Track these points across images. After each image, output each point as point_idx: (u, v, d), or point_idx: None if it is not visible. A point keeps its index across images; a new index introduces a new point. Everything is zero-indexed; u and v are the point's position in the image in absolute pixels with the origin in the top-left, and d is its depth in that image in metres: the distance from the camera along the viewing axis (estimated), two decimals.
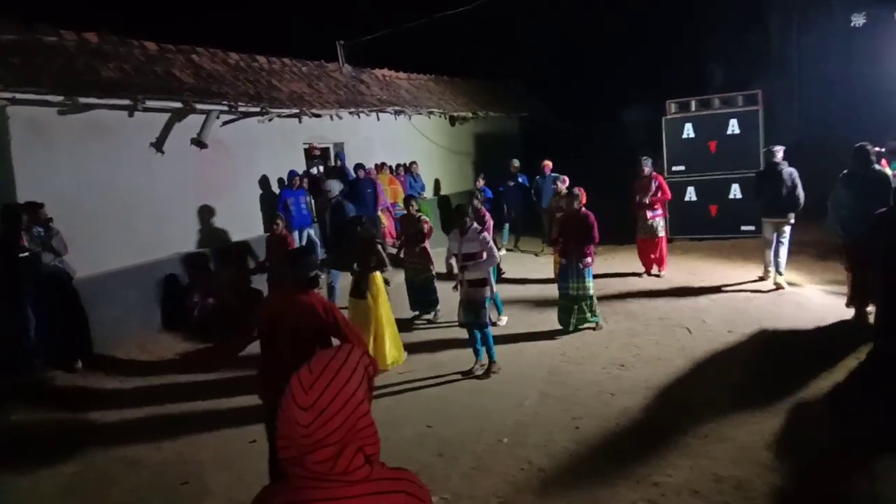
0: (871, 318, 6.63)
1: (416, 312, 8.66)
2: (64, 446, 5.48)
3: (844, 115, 14.90)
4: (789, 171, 8.39)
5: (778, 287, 8.58)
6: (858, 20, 16.23)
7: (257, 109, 9.87)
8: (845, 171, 6.93)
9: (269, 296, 4.91)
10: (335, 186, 9.20)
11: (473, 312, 6.35)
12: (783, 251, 8.60)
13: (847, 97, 15.54)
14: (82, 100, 7.46)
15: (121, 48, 8.90)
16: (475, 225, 6.48)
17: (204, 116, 8.94)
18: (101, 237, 7.85)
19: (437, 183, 15.10)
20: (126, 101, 7.95)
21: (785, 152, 8.62)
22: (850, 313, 7.03)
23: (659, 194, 9.93)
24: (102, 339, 7.65)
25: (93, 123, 7.79)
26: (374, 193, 11.07)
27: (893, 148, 8.47)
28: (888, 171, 8.06)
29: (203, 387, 6.70)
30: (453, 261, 6.63)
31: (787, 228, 8.48)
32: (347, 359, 1.40)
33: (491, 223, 8.01)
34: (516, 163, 13.16)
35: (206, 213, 9.38)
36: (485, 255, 6.33)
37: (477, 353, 6.55)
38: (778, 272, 8.70)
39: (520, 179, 13.00)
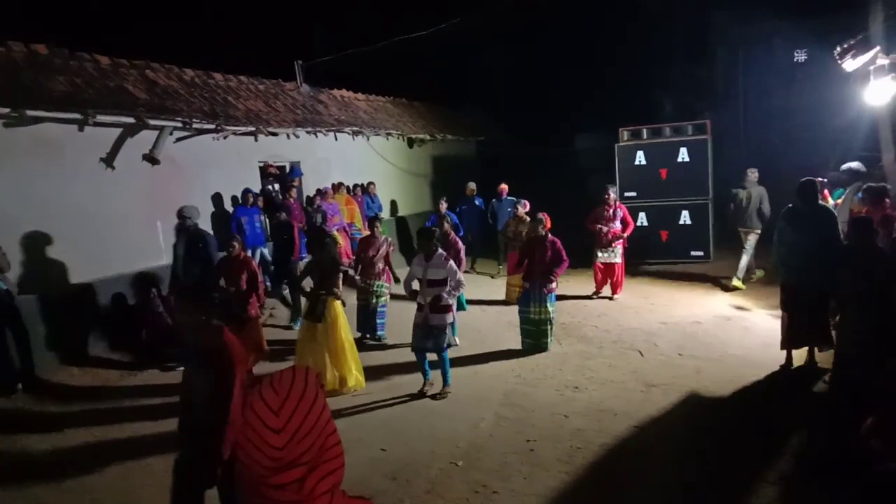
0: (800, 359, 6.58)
1: (361, 334, 8.49)
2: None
3: (786, 147, 15.56)
4: (758, 190, 9.76)
5: (734, 288, 9.98)
6: (801, 56, 17.01)
7: (212, 126, 9.74)
8: (789, 206, 6.59)
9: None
10: (194, 213, 8.21)
11: (433, 338, 6.29)
12: (745, 258, 10.00)
13: (789, 129, 16.23)
14: (30, 112, 7.24)
15: (72, 61, 8.69)
16: (441, 251, 6.42)
17: (157, 132, 8.78)
18: (45, 255, 7.60)
19: (393, 204, 15.11)
20: (76, 115, 7.75)
21: (758, 174, 10.07)
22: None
23: (625, 227, 10.03)
24: (45, 361, 7.36)
25: (40, 138, 7.55)
26: (291, 239, 9.52)
27: (834, 179, 8.86)
28: (830, 201, 8.41)
29: (149, 410, 6.49)
30: (415, 285, 6.50)
31: (752, 238, 9.88)
32: (307, 380, 1.38)
33: (463, 249, 7.88)
34: (472, 185, 13.23)
35: (156, 230, 9.17)
36: (449, 284, 6.27)
37: (425, 373, 6.55)
38: (736, 276, 10.02)
39: (476, 202, 13.09)
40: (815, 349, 6.51)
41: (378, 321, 8.46)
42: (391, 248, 8.53)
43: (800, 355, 6.60)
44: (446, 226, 7.95)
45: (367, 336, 8.52)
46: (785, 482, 4.41)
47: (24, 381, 6.97)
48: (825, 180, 9.00)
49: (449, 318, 6.36)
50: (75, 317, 7.92)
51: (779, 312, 7.02)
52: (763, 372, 6.53)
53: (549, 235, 7.67)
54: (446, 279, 6.26)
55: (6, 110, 7.05)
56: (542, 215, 7.81)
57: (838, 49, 8.02)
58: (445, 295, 6.24)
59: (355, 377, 6.76)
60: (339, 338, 6.69)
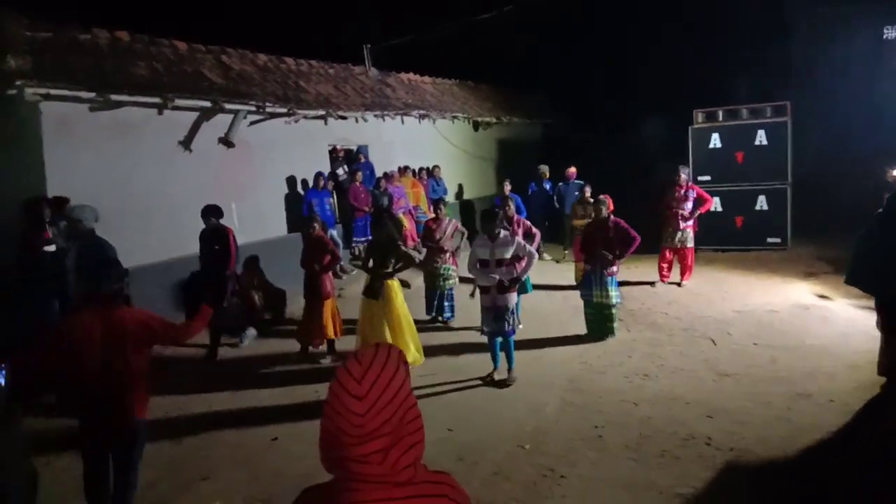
0: None
1: (433, 315, 8.62)
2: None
3: (872, 132, 14.63)
4: None
5: None
6: (891, 33, 15.98)
7: (284, 110, 9.94)
8: (883, 209, 5.57)
9: (74, 314, 4.06)
10: (88, 214, 6.58)
11: (501, 320, 6.20)
12: None
13: (875, 112, 15.27)
14: (113, 97, 7.55)
15: (151, 47, 9.02)
16: (505, 231, 6.36)
17: (232, 116, 9.02)
18: (123, 234, 7.90)
19: (459, 187, 15.11)
20: (156, 100, 8.04)
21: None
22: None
23: (702, 204, 9.76)
24: None
25: (121, 121, 7.88)
26: (226, 249, 7.56)
27: None
28: None
29: (225, 382, 6.74)
30: (479, 266, 6.33)
31: None
32: (389, 353, 1.42)
33: (533, 227, 7.77)
34: (545, 168, 12.98)
35: (229, 212, 9.42)
36: (524, 260, 6.24)
37: (495, 359, 6.46)
38: None
39: (545, 185, 12.89)
40: None
41: (447, 303, 8.51)
42: (458, 227, 8.55)
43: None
44: (511, 208, 7.81)
45: (438, 318, 8.59)
46: (867, 485, 4.21)
47: None
48: None
49: (514, 297, 6.29)
50: (150, 293, 8.21)
51: (862, 302, 6.53)
52: (842, 362, 6.24)
53: (612, 217, 7.52)
54: (516, 257, 6.21)
55: (91, 94, 7.37)
56: (605, 197, 7.66)
57: None
58: (522, 268, 6.24)
59: (413, 354, 6.80)
60: (397, 314, 6.74)
